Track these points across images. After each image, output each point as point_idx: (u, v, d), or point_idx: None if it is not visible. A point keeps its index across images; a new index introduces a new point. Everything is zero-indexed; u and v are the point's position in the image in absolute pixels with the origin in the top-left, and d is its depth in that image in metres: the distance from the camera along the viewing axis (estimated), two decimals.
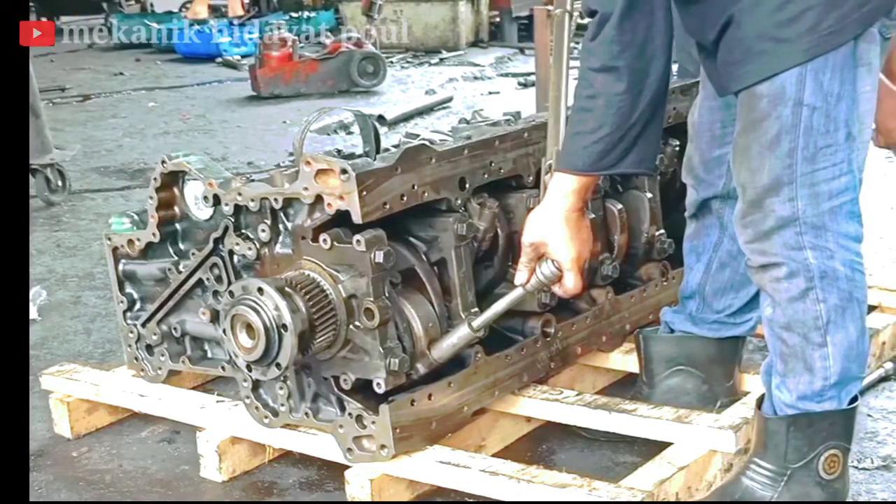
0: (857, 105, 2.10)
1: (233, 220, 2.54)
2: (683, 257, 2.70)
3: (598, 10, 2.10)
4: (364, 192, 2.30)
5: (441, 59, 10.27)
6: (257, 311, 2.33)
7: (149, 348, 2.84)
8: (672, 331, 2.71)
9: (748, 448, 2.34)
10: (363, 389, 2.41)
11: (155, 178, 2.70)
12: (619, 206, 2.86)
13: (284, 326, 2.32)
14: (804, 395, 2.19)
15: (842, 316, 2.16)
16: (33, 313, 3.77)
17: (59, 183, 5.40)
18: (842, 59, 2.06)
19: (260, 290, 2.33)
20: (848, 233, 2.14)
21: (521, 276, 2.33)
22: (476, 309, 2.51)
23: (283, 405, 2.52)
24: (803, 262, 2.13)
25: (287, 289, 2.33)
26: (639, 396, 2.69)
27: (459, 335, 2.43)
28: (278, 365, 2.37)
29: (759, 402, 2.31)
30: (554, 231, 2.23)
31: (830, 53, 2.05)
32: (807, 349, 2.17)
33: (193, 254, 2.67)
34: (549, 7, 3.75)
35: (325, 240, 2.37)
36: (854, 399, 2.24)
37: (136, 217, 2.84)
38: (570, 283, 2.28)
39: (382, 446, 2.37)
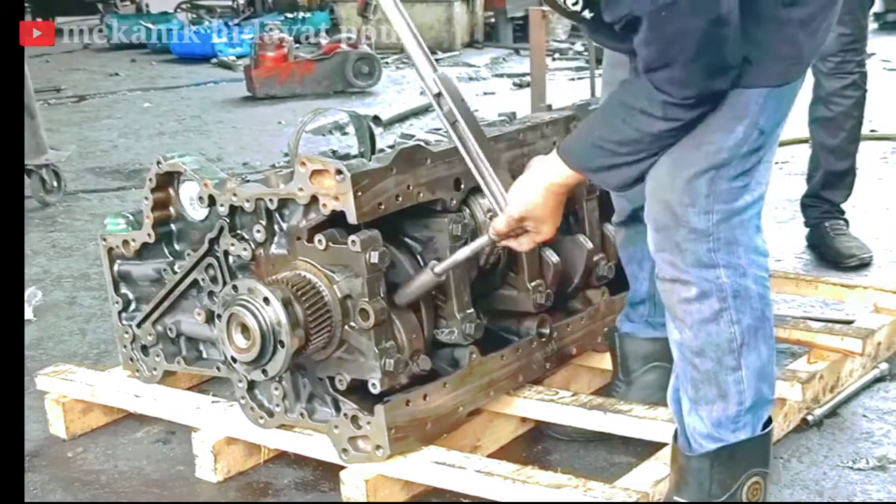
0: (776, 138, 2.08)
1: (228, 220, 2.54)
2: (623, 267, 2.68)
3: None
4: (359, 193, 2.30)
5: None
6: (257, 318, 2.33)
7: (144, 349, 2.84)
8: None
9: None
10: (358, 390, 2.41)
11: (150, 179, 2.69)
12: None
13: (281, 343, 2.32)
14: (719, 423, 2.12)
15: (755, 337, 2.08)
16: (28, 314, 3.77)
17: (55, 183, 5.39)
18: (790, 93, 2.04)
19: (266, 300, 2.33)
20: (757, 247, 2.08)
21: (499, 231, 2.24)
22: (472, 310, 2.51)
23: (278, 406, 2.52)
24: (715, 280, 2.05)
25: (291, 298, 2.32)
26: (615, 394, 2.69)
27: (421, 281, 2.41)
28: (265, 372, 2.38)
29: (676, 436, 2.22)
30: (545, 208, 2.18)
31: (790, 84, 2.03)
32: (720, 374, 2.09)
33: (189, 254, 2.67)
34: (545, 8, 3.73)
35: (320, 240, 2.37)
36: (768, 422, 2.17)
37: (131, 217, 2.83)
38: (529, 246, 2.28)
39: (378, 447, 2.37)
